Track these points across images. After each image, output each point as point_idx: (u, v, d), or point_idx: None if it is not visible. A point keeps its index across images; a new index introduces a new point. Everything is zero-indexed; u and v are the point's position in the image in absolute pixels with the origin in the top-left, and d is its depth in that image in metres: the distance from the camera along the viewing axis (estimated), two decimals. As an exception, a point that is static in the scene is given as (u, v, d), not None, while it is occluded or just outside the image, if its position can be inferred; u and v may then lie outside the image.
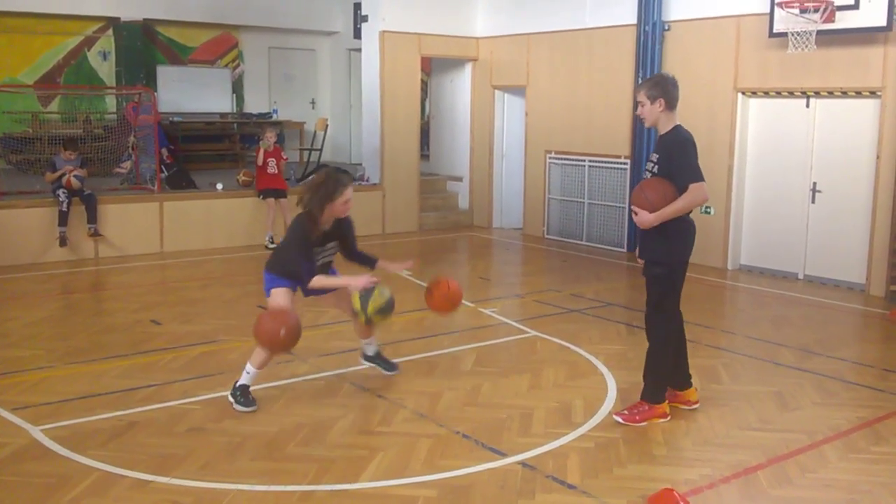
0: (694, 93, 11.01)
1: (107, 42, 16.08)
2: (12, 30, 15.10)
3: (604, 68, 12.12)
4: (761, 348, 7.37)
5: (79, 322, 8.06)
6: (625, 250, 11.98)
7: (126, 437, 5.16)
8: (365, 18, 13.58)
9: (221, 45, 17.34)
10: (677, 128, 5.39)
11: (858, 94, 9.50)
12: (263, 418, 5.51)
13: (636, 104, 5.52)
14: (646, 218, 5.24)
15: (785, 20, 9.46)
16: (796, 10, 9.22)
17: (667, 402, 5.57)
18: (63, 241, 10.60)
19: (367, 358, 6.45)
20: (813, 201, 10.03)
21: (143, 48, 16.10)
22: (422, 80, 14.01)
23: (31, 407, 5.64)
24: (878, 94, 9.28)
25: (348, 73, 18.00)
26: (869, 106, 9.47)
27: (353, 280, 5.63)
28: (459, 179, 14.75)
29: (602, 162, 12.34)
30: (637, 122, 11.55)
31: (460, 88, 14.60)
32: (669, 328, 5.53)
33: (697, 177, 5.19)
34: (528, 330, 7.76)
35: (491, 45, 13.98)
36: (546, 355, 7.01)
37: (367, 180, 13.61)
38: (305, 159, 15.94)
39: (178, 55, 16.81)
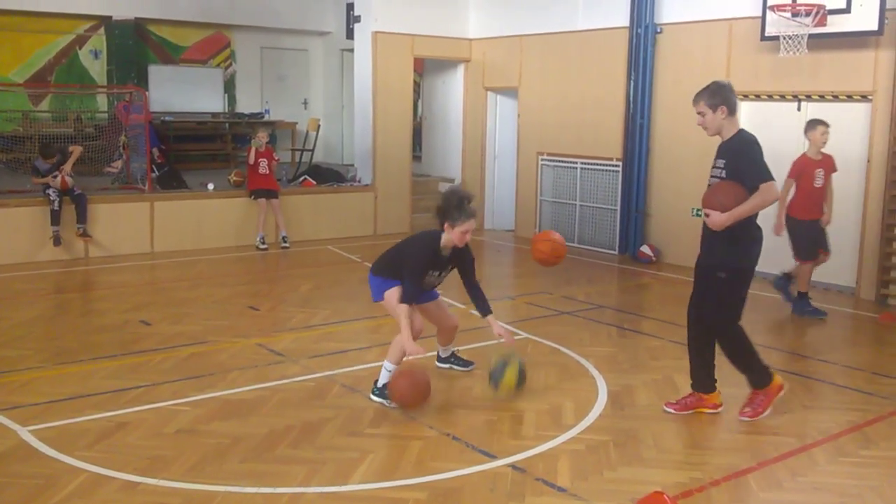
0: (685, 96, 10.97)
1: (98, 41, 16.03)
2: (3, 28, 15.04)
3: (596, 70, 12.13)
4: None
5: (68, 322, 8.03)
6: (616, 252, 11.99)
7: (115, 439, 5.14)
8: (357, 19, 13.56)
9: (213, 45, 17.31)
10: (741, 132, 5.42)
11: (849, 97, 9.52)
12: (253, 420, 5.49)
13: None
14: (718, 219, 5.24)
15: (777, 24, 9.48)
16: (788, 14, 9.25)
17: (775, 374, 5.67)
18: (57, 241, 10.55)
19: (442, 360, 6.61)
20: (804, 204, 10.03)
21: (135, 47, 16.06)
22: (414, 81, 14.00)
23: (20, 407, 5.62)
24: (869, 98, 9.31)
25: (341, 74, 17.98)
26: (860, 110, 9.49)
27: (408, 343, 5.58)
28: (451, 181, 14.73)
29: (594, 164, 12.35)
30: (629, 124, 11.57)
31: (453, 90, 14.60)
32: (731, 323, 5.55)
33: (767, 176, 5.22)
34: (520, 332, 7.75)
35: (483, 46, 13.98)
36: (537, 357, 7.01)
37: (358, 181, 13.60)
38: (297, 160, 15.92)
39: (170, 54, 16.77)
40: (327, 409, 5.70)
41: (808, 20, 9.13)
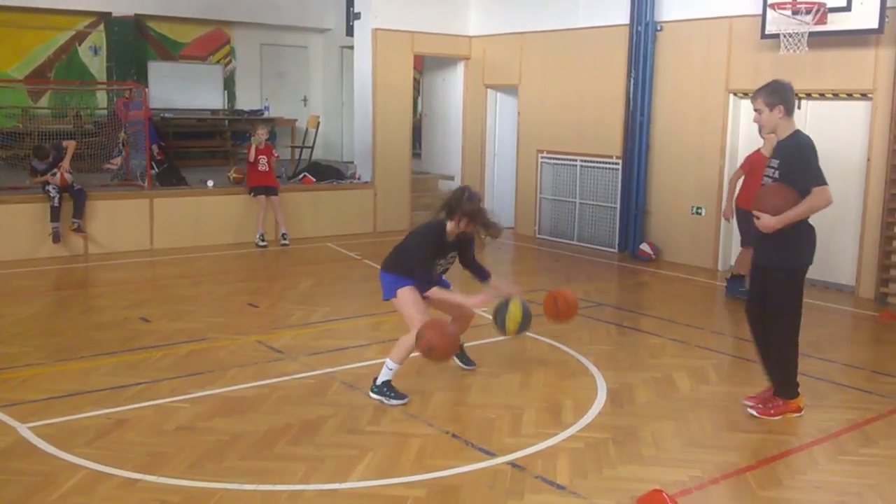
0: (685, 94, 11.03)
1: (98, 37, 16.01)
2: (3, 24, 15.02)
3: (596, 68, 12.12)
4: (751, 350, 7.35)
5: (68, 319, 8.02)
6: (616, 250, 11.99)
7: (114, 436, 5.14)
8: (357, 16, 13.54)
9: (213, 42, 17.29)
10: (797, 132, 5.48)
11: (850, 96, 9.52)
12: (252, 417, 5.49)
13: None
14: (768, 222, 5.30)
15: (777, 21, 9.47)
16: (788, 12, 9.24)
17: (801, 396, 5.70)
18: (56, 237, 10.54)
19: None
20: (803, 203, 10.03)
21: (135, 43, 16.03)
22: (414, 79, 13.99)
23: (19, 404, 5.61)
24: (870, 96, 9.30)
25: (340, 71, 17.96)
26: (860, 108, 9.49)
27: (467, 299, 5.88)
28: (451, 178, 14.72)
29: (594, 162, 12.34)
30: (629, 122, 11.56)
31: (452, 87, 14.59)
32: (792, 329, 5.60)
33: (820, 180, 5.28)
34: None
35: (483, 43, 13.96)
36: (536, 355, 7.01)
37: (358, 178, 13.59)
38: (297, 157, 15.91)
39: (170, 51, 16.75)
40: (327, 407, 5.70)
41: (809, 18, 9.12)
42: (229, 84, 17.49)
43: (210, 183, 12.24)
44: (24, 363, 6.51)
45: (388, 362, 5.83)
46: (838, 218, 9.68)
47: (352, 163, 14.43)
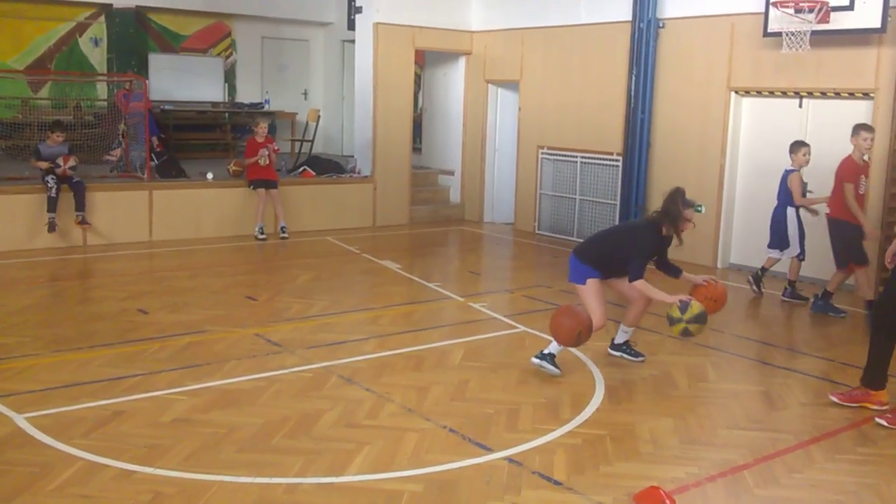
0: (687, 91, 11.02)
1: (98, 29, 15.96)
2: (4, 14, 14.97)
3: (598, 65, 12.10)
4: (749, 347, 7.38)
5: (65, 310, 8.01)
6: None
7: (111, 427, 5.13)
8: (359, 10, 13.51)
9: (214, 34, 17.24)
10: None
11: (851, 95, 9.50)
12: (250, 410, 5.48)
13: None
14: None
15: (779, 20, 9.45)
16: (791, 10, 9.22)
17: (886, 391, 5.82)
18: (52, 227, 10.51)
19: (615, 346, 6.92)
20: (804, 201, 10.02)
21: (135, 35, 15.99)
22: (415, 73, 13.97)
23: (16, 395, 5.61)
24: (871, 95, 9.28)
25: (341, 65, 17.92)
26: (862, 107, 9.47)
27: (670, 297, 6.24)
28: (451, 173, 14.72)
29: (594, 158, 12.32)
30: (630, 119, 11.54)
31: (453, 82, 14.56)
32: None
33: None
34: (517, 325, 7.75)
35: (485, 39, 13.94)
36: (534, 351, 6.96)
37: (358, 173, 13.58)
38: (297, 150, 15.90)
39: (171, 43, 16.71)
40: (324, 400, 5.69)
41: (811, 17, 9.10)
42: (230, 77, 17.45)
43: (210, 175, 12.22)
44: (21, 353, 6.50)
45: (554, 344, 6.30)
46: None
47: (352, 157, 14.41)
